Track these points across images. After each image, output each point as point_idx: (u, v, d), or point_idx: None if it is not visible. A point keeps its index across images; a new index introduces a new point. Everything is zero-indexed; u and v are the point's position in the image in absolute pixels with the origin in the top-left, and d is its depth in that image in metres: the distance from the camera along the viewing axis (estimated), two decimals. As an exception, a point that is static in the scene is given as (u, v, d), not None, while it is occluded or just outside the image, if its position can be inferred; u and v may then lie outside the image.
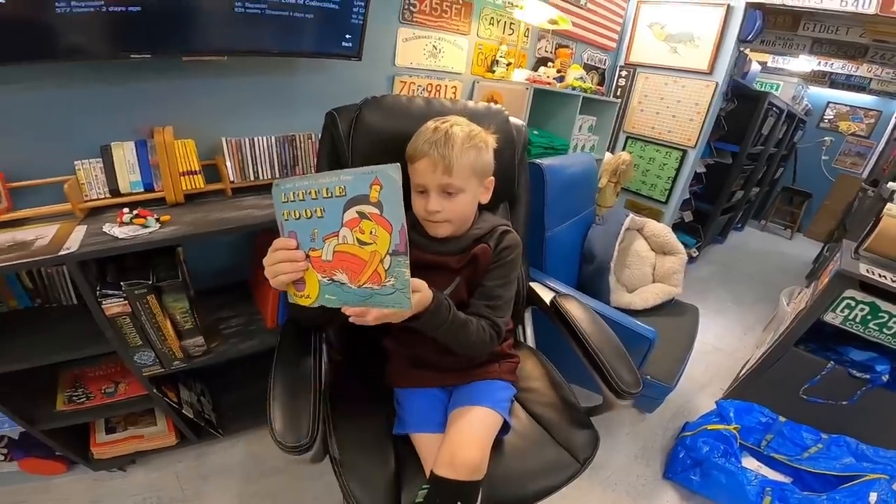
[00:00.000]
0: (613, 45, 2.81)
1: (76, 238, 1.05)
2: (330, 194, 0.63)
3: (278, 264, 0.71)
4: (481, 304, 0.94)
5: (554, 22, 1.99)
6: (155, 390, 1.27)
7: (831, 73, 4.53)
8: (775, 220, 5.58)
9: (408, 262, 0.63)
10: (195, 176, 1.27)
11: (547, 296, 1.24)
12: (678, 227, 3.57)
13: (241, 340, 1.38)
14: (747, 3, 2.39)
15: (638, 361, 1.45)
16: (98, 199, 1.21)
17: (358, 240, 0.64)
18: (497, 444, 0.95)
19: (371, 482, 0.89)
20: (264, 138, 1.40)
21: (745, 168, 3.79)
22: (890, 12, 2.00)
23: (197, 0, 1.13)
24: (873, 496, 1.39)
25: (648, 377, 1.53)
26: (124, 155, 1.22)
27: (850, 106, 5.10)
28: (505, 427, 0.97)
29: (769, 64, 4.32)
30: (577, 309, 1.15)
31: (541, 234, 1.63)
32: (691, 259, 3.71)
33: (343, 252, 0.66)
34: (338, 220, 0.65)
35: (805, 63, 4.17)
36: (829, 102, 5.24)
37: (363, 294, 0.67)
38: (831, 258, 2.37)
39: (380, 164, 0.60)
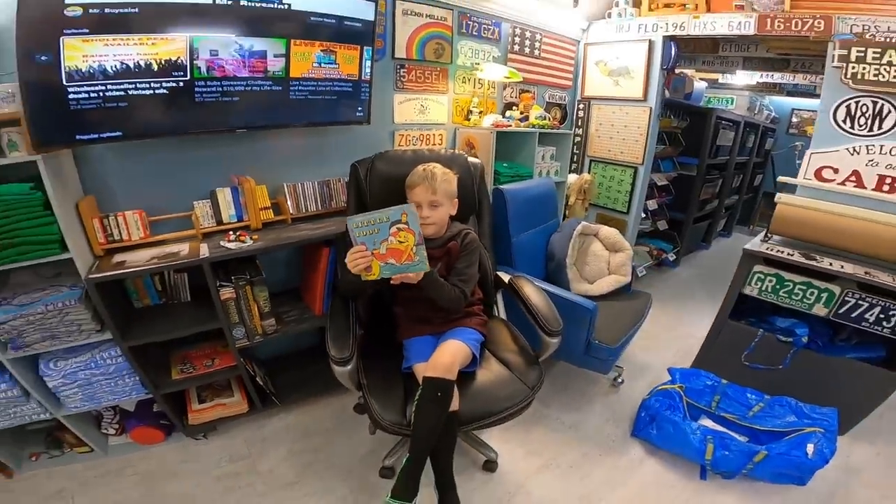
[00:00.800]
0: (569, 83, 3.31)
1: (205, 250, 1.63)
2: (381, 220, 1.27)
3: (357, 260, 1.29)
4: (455, 279, 1.50)
5: (507, 77, 2.54)
6: (241, 359, 1.79)
7: (780, 84, 4.83)
8: (761, 224, 5.84)
9: (424, 248, 1.29)
10: (268, 210, 1.92)
11: (507, 278, 1.75)
12: (655, 235, 3.99)
13: (297, 324, 1.92)
14: (664, 37, 2.84)
15: (586, 328, 1.88)
16: (209, 226, 1.83)
17: (398, 241, 1.28)
18: (470, 378, 1.45)
19: (387, 399, 1.37)
20: (310, 183, 2.04)
21: (710, 178, 4.13)
22: (765, 31, 2.45)
23: (269, 94, 1.75)
24: (810, 447, 1.63)
25: (597, 341, 1.91)
26: (224, 197, 1.83)
27: (812, 111, 5.49)
28: (473, 361, 1.46)
29: (720, 80, 4.70)
30: (525, 284, 1.66)
31: (507, 240, 2.16)
32: (671, 263, 4.09)
33: (392, 248, 1.29)
34: (387, 233, 1.27)
35: (747, 77, 4.49)
36: (793, 109, 5.65)
37: (403, 267, 1.30)
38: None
39: (403, 204, 1.28)
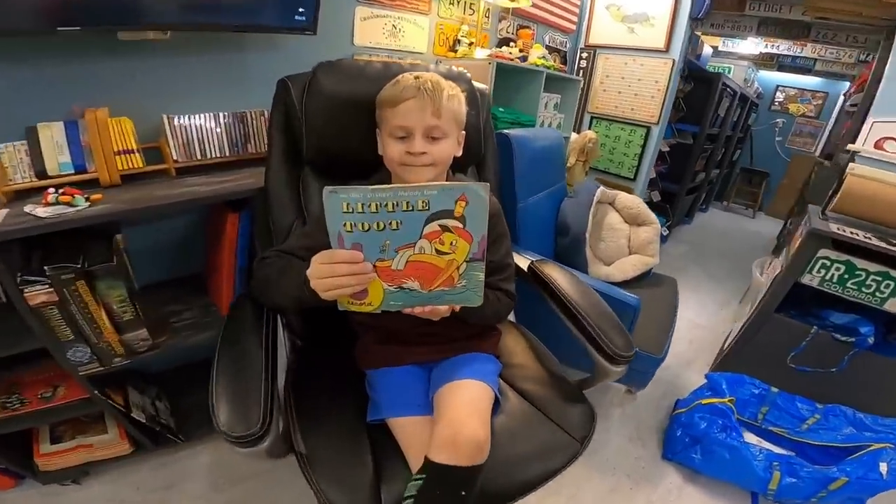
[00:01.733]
0: (573, 27, 2.80)
1: None
2: (410, 207, 0.61)
3: (339, 277, 0.67)
4: (495, 278, 0.90)
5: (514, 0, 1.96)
6: (96, 392, 1.13)
7: (778, 56, 4.68)
8: (737, 200, 5.73)
9: (483, 265, 0.68)
10: (132, 155, 1.14)
11: (524, 263, 1.18)
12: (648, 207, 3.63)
13: (194, 333, 1.24)
14: None
15: (623, 332, 1.39)
16: (24, 182, 1.07)
17: (437, 250, 0.65)
18: None
19: (345, 479, 0.79)
20: (211, 115, 1.28)
21: (706, 148, 3.86)
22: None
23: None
24: (883, 466, 1.36)
25: (637, 349, 1.46)
26: (52, 136, 1.09)
27: (798, 88, 5.32)
28: (495, 405, 0.89)
29: (720, 48, 4.45)
30: (557, 272, 1.10)
31: (512, 205, 1.57)
32: (663, 238, 3.75)
33: (418, 262, 0.66)
34: (416, 232, 0.63)
35: (753, 46, 4.30)
36: (778, 86, 5.45)
37: (432, 296, 0.71)
38: (795, 229, 2.43)
39: (465, 182, 0.63)
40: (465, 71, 1.15)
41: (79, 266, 0.95)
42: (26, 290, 0.91)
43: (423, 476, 0.72)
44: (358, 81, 1.01)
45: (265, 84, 1.09)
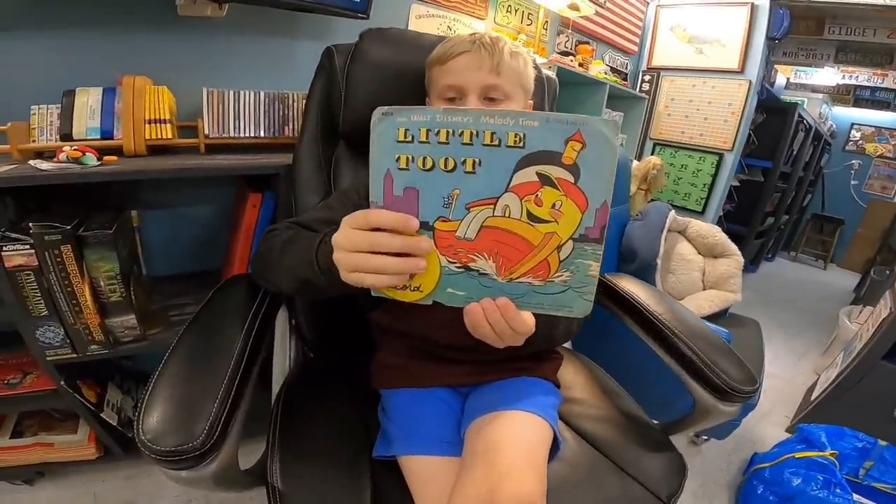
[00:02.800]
0: (635, 48, 2.66)
1: None
2: (497, 142, 0.41)
3: (377, 257, 0.44)
4: None
5: (574, 7, 1.83)
6: (63, 383, 0.98)
7: (856, 88, 4.35)
8: (806, 249, 5.25)
9: (600, 252, 0.43)
10: (163, 125, 1.04)
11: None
12: None
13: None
14: (772, 1, 2.27)
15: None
16: (45, 143, 0.99)
17: (529, 213, 0.43)
18: None
19: None
20: (252, 92, 1.17)
21: (778, 188, 3.57)
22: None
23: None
24: None
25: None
26: (88, 101, 1.01)
27: (875, 126, 4.90)
28: (553, 447, 0.66)
29: (791, 79, 4.18)
30: (638, 287, 0.88)
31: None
32: None
33: (498, 229, 0.44)
34: (502, 181, 0.42)
35: (829, 76, 4.01)
36: (853, 124, 5.03)
37: (514, 290, 0.46)
38: (884, 280, 2.13)
39: (582, 115, 0.39)
40: (531, 51, 1.00)
41: (68, 228, 0.81)
42: (4, 249, 0.78)
43: None
44: (407, 49, 0.89)
45: (311, 68, 0.96)
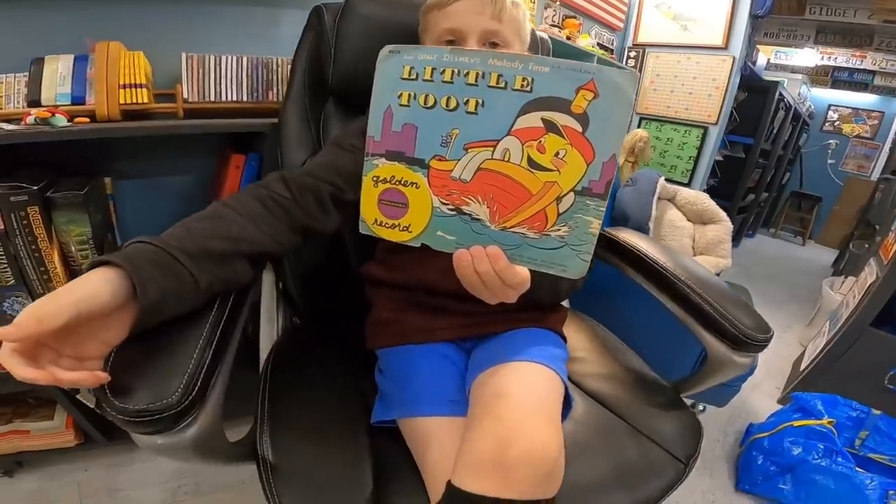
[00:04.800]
0: (621, 24, 2.68)
1: None
2: (503, 84, 0.39)
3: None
4: None
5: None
6: None
7: (834, 69, 4.42)
8: (786, 226, 5.37)
9: (602, 209, 0.42)
10: (139, 90, 0.97)
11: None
12: None
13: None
14: None
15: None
16: (12, 110, 0.92)
17: (530, 159, 0.41)
18: None
19: (327, 502, 0.53)
20: (234, 57, 1.11)
21: (760, 164, 3.64)
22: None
23: None
24: None
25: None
26: (58, 68, 0.95)
27: (853, 108, 5.00)
28: (565, 406, 0.62)
29: (771, 60, 4.23)
30: (641, 240, 0.86)
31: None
32: None
33: (495, 172, 0.42)
34: (505, 124, 0.40)
35: (809, 56, 4.07)
36: (830, 105, 5.14)
37: (507, 240, 0.44)
38: (863, 254, 2.19)
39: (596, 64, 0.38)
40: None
41: (35, 188, 0.76)
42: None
43: None
44: (399, 6, 0.85)
45: (296, 36, 0.92)
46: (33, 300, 0.77)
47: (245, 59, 1.12)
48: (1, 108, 0.91)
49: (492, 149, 0.41)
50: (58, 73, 0.94)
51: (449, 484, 0.46)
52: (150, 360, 0.42)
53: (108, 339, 0.40)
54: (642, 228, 1.52)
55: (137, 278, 0.39)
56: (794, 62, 4.22)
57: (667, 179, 2.72)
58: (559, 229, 0.42)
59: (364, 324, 0.75)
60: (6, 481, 1.13)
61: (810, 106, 4.89)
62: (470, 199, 0.43)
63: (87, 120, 0.87)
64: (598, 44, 2.50)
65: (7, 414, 1.10)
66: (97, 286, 0.38)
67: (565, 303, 0.98)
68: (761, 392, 1.89)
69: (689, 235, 1.70)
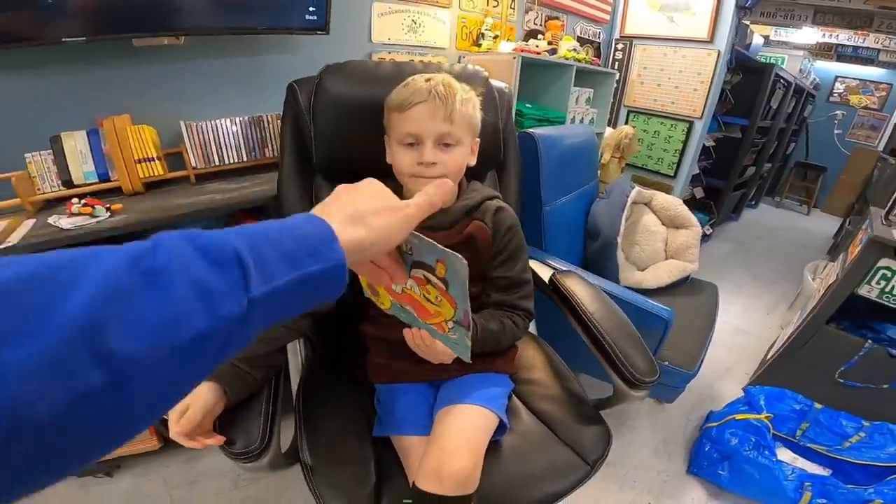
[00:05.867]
0: (606, 17, 2.67)
1: (20, 233, 0.95)
2: (406, 247, 0.55)
3: None
4: (512, 295, 0.88)
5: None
6: None
7: (837, 46, 4.33)
8: (790, 195, 5.38)
9: (471, 334, 0.59)
10: (153, 163, 1.15)
11: (545, 274, 1.10)
12: (689, 204, 3.40)
13: None
14: None
15: (653, 346, 1.30)
16: (51, 192, 1.10)
17: (424, 296, 0.57)
18: (492, 446, 0.82)
19: (347, 491, 0.77)
20: (228, 120, 1.26)
21: (756, 142, 3.63)
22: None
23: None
24: None
25: (666, 363, 1.37)
26: (76, 144, 1.10)
27: (860, 79, 4.91)
28: (501, 427, 0.84)
29: (772, 37, 4.15)
30: (579, 286, 1.01)
31: (538, 209, 1.48)
32: (705, 237, 3.59)
33: (411, 296, 0.59)
34: (406, 269, 0.56)
35: (809, 35, 3.98)
36: (837, 77, 5.05)
37: (429, 329, 0.62)
38: (855, 231, 2.21)
39: (445, 250, 0.51)
40: (482, 69, 1.08)
41: None
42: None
43: (411, 501, 0.71)
44: (367, 84, 0.96)
45: (280, 87, 1.04)
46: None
47: (238, 119, 1.26)
48: (39, 188, 1.08)
49: (405, 282, 0.57)
50: (77, 151, 1.10)
51: (413, 484, 0.72)
52: (240, 423, 0.70)
53: (214, 415, 0.68)
54: (611, 242, 1.64)
55: (229, 389, 0.69)
56: (794, 39, 4.12)
57: (655, 172, 2.83)
58: (453, 336, 0.60)
59: (365, 361, 0.95)
60: (107, 481, 1.39)
61: (815, 79, 4.81)
62: (403, 302, 0.61)
63: (121, 206, 1.04)
64: (584, 39, 2.54)
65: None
66: (208, 396, 0.67)
67: (534, 328, 1.15)
68: (732, 377, 2.01)
69: (662, 240, 1.82)
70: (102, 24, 1.02)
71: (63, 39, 0.98)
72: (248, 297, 0.25)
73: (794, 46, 4.29)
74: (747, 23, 3.02)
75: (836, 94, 5.13)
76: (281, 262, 0.28)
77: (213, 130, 1.24)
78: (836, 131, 5.18)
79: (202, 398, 0.66)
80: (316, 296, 0.31)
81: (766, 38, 4.10)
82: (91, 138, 1.11)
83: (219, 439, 0.66)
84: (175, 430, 0.64)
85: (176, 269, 0.23)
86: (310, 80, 0.97)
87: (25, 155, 1.07)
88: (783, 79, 3.48)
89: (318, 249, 0.31)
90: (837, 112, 5.11)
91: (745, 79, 3.15)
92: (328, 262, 0.31)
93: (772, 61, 4.03)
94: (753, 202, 5.03)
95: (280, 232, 0.30)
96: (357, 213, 0.36)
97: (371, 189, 0.41)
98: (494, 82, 1.10)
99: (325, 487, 0.77)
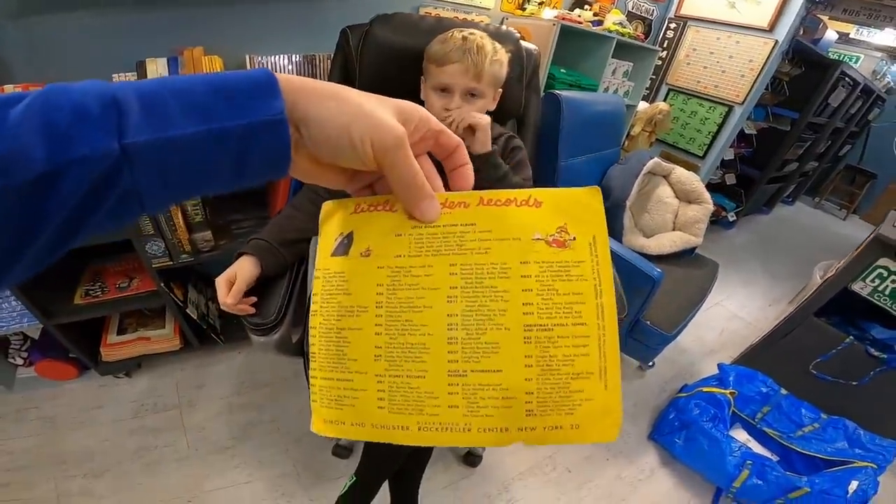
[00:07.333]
0: None
1: None
2: None
3: None
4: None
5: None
6: (162, 284, 1.34)
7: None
8: (831, 197, 5.22)
9: None
10: None
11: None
12: (718, 189, 3.50)
13: (246, 239, 1.42)
14: None
15: (639, 303, 1.43)
16: None
17: None
18: None
19: None
20: (284, 57, 1.42)
21: (804, 138, 3.55)
22: None
23: None
24: (853, 484, 1.33)
25: (648, 322, 1.48)
26: (157, 69, 1.28)
27: (942, 85, 4.59)
28: None
29: (852, 35, 3.92)
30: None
31: (553, 162, 1.59)
32: (729, 224, 3.63)
33: None
34: None
35: (891, 37, 3.75)
36: (917, 83, 4.73)
37: None
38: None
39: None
40: (515, 32, 1.19)
41: None
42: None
43: None
44: (410, 34, 1.09)
45: (334, 30, 1.17)
46: (165, 244, 1.27)
47: (294, 57, 1.42)
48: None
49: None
50: (158, 74, 1.27)
51: None
52: (264, 298, 0.83)
53: (250, 284, 0.80)
54: (620, 203, 1.74)
55: (263, 262, 0.82)
56: (875, 40, 3.88)
57: (684, 150, 2.86)
58: None
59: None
60: (126, 380, 1.52)
61: (889, 82, 4.54)
62: None
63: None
64: (633, 13, 2.51)
65: (133, 324, 1.49)
66: (250, 267, 0.80)
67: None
68: (716, 358, 2.08)
69: (673, 212, 1.90)
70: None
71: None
72: (122, 143, 0.22)
73: (873, 47, 4.07)
74: (822, 17, 2.93)
75: (911, 101, 4.84)
76: (186, 113, 0.24)
77: (272, 65, 1.40)
78: (902, 138, 4.93)
79: (246, 271, 0.79)
80: (248, 159, 0.26)
81: (846, 35, 3.92)
82: (171, 65, 1.29)
83: (249, 307, 0.79)
84: (228, 302, 0.76)
85: (34, 108, 0.21)
86: (361, 27, 1.10)
87: (113, 76, 1.26)
88: (850, 77, 3.36)
89: (248, 103, 0.26)
90: (907, 119, 4.84)
91: (807, 72, 3.07)
92: (257, 116, 0.25)
93: (844, 59, 3.85)
94: (791, 199, 4.92)
95: (195, 83, 0.25)
96: (352, 91, 0.32)
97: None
98: (525, 43, 1.21)
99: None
